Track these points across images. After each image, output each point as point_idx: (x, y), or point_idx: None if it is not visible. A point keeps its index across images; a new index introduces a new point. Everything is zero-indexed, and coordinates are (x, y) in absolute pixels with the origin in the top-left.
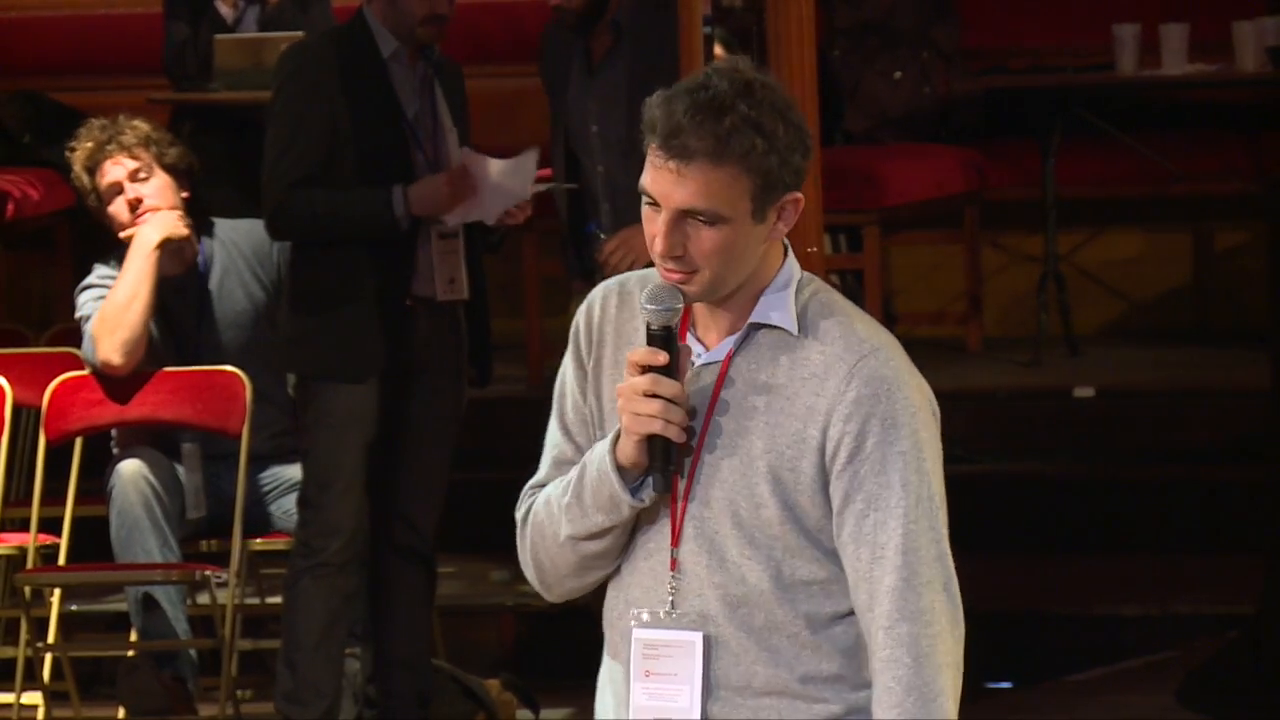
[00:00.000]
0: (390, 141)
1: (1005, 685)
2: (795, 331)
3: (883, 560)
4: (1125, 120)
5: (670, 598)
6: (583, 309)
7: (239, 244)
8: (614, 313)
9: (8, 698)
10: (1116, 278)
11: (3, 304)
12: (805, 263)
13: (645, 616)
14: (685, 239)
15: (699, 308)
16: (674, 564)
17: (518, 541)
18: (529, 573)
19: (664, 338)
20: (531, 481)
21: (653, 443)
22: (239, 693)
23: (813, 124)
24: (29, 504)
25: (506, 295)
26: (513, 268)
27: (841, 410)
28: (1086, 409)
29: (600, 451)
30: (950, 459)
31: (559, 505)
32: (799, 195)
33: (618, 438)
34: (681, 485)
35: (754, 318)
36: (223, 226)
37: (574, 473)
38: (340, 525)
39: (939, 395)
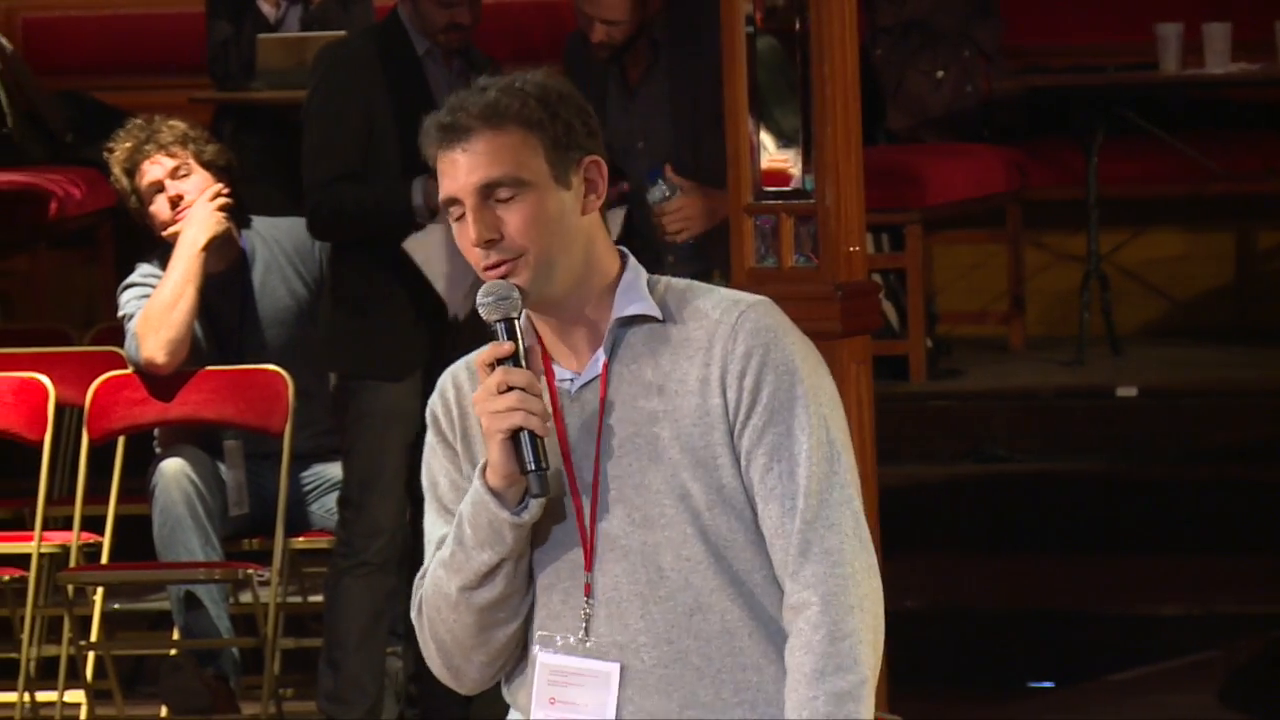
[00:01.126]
0: None
1: (1047, 685)
2: (661, 317)
3: (792, 511)
4: (1168, 120)
5: (583, 624)
6: (435, 398)
7: (281, 241)
8: (468, 389)
9: (51, 696)
10: (1159, 277)
11: (46, 303)
12: (848, 262)
13: (558, 641)
14: (498, 221)
15: (553, 337)
16: (587, 589)
17: (418, 637)
18: (435, 665)
19: (506, 330)
20: (418, 575)
21: (518, 443)
22: (281, 691)
23: (855, 123)
24: (72, 502)
25: None
26: None
27: (734, 368)
28: (1129, 408)
29: (472, 486)
30: (992, 458)
31: (444, 563)
32: (597, 157)
33: (485, 468)
34: (587, 507)
35: (615, 314)
36: (264, 224)
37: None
38: (382, 525)
39: (980, 395)
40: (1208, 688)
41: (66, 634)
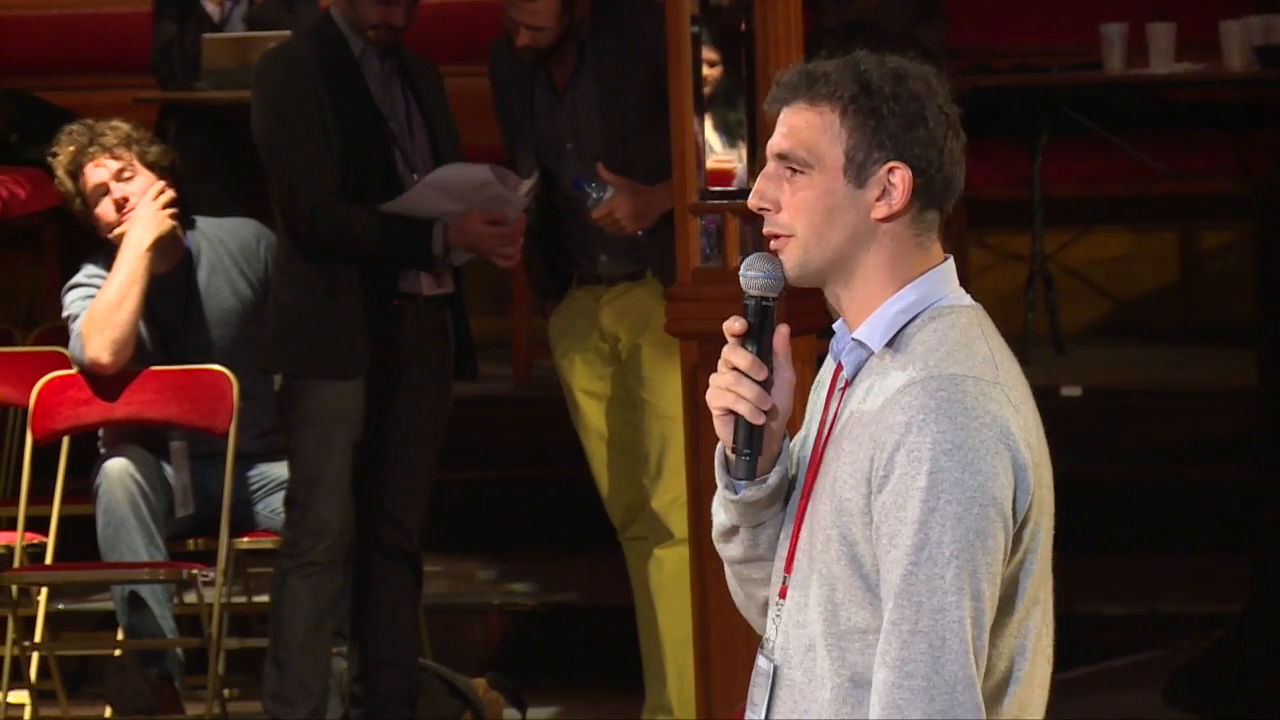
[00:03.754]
0: (370, 141)
1: None
2: (876, 350)
3: (887, 603)
4: (1112, 119)
5: (774, 624)
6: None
7: (225, 242)
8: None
9: None
10: (1103, 277)
11: None
12: None
13: (763, 643)
14: (779, 192)
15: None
16: (783, 591)
17: None
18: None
19: (755, 307)
20: None
21: (738, 421)
22: (226, 692)
23: None
24: (16, 503)
25: (494, 294)
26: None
27: (880, 437)
28: (1073, 408)
29: None
30: None
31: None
32: (899, 166)
33: None
34: (795, 508)
35: (855, 331)
36: (209, 224)
37: None
38: (327, 525)
39: None
40: (1151, 687)
41: (10, 634)
